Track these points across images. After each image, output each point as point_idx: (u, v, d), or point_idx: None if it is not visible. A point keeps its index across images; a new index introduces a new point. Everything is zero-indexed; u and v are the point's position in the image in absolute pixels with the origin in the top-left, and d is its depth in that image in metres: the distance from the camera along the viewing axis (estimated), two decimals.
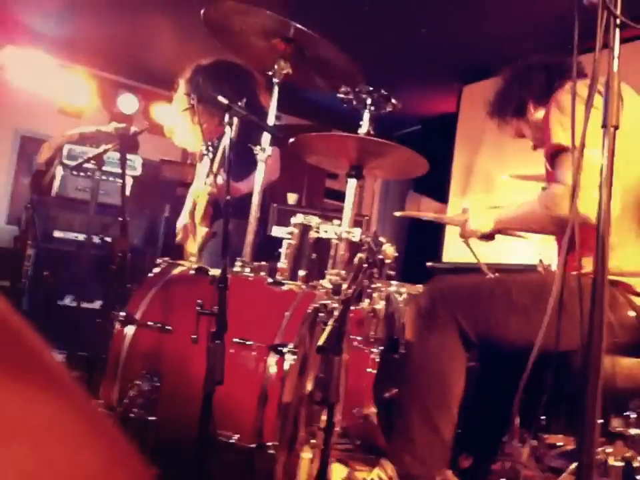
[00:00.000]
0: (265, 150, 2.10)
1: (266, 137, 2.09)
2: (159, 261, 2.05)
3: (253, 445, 1.65)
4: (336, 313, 1.57)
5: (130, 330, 1.84)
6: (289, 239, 2.42)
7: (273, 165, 2.81)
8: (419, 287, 2.27)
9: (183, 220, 2.97)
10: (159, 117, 5.73)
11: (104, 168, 3.48)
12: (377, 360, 2.30)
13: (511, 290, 1.74)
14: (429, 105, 5.69)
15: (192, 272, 2.01)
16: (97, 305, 4.10)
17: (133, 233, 3.99)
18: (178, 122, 2.97)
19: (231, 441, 1.66)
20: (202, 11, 1.99)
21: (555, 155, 1.73)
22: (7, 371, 0.31)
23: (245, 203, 2.26)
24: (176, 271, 2.02)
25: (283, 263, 2.41)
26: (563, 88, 1.83)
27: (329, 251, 2.08)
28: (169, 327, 1.80)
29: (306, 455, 1.68)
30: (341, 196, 7.25)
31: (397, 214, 2.74)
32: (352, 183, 1.86)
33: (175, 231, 3.02)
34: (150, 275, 2.01)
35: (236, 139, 1.70)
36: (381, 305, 2.03)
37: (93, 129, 4.61)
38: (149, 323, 1.82)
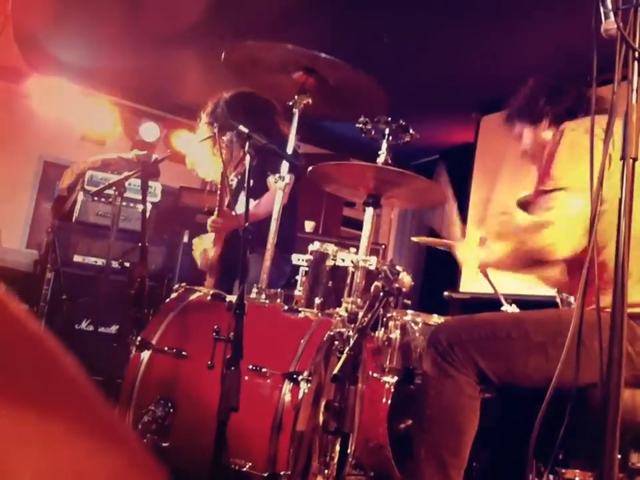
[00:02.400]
0: (283, 179, 2.12)
1: (285, 166, 2.11)
2: (176, 286, 2.06)
3: (266, 474, 1.64)
4: (351, 342, 1.57)
5: (146, 355, 1.84)
6: (306, 266, 2.43)
7: (287, 189, 2.83)
8: (435, 317, 2.25)
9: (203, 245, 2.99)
10: (179, 145, 5.81)
11: (124, 194, 3.54)
12: (392, 390, 2.27)
13: (528, 330, 1.73)
14: (447, 135, 5.72)
15: (209, 298, 2.02)
16: (114, 329, 4.12)
17: (152, 258, 4.01)
18: (200, 153, 3.01)
19: (243, 469, 1.65)
20: (222, 55, 2.04)
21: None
22: (25, 377, 0.32)
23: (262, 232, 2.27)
24: (193, 296, 2.03)
25: (299, 291, 2.41)
26: (576, 122, 1.82)
27: (346, 279, 2.07)
28: (185, 353, 1.80)
29: None
30: (358, 224, 7.25)
31: (415, 239, 2.75)
32: (369, 212, 1.87)
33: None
34: (167, 300, 2.02)
35: (253, 165, 1.73)
36: (396, 334, 2.02)
37: (115, 155, 4.69)
38: (165, 348, 1.83)
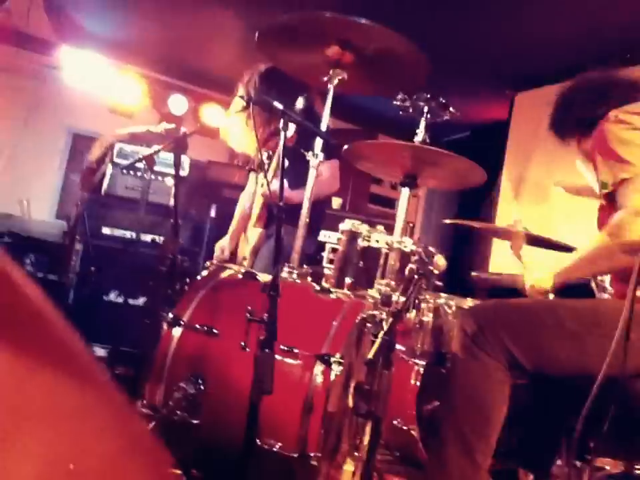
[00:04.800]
0: (317, 156, 2.08)
1: (319, 143, 2.07)
2: (207, 263, 2.05)
3: (296, 455, 1.63)
4: (385, 325, 1.54)
5: (177, 332, 1.84)
6: (336, 244, 2.40)
7: (334, 177, 2.79)
8: (469, 301, 2.21)
9: (224, 240, 3.00)
10: (208, 119, 5.78)
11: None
12: (421, 372, 2.25)
13: (562, 317, 1.68)
14: (480, 112, 5.59)
15: (240, 276, 2.00)
16: (141, 301, 4.16)
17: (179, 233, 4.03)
18: (234, 125, 2.99)
19: (273, 449, 1.64)
20: (256, 36, 1.99)
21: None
22: (35, 356, 0.32)
23: (300, 209, 2.25)
24: (224, 274, 2.01)
25: (328, 269, 2.39)
26: (607, 119, 1.75)
27: (377, 260, 2.04)
28: (216, 331, 1.79)
29: (348, 467, 1.65)
30: (385, 201, 7.18)
31: (447, 221, 2.70)
32: (405, 192, 1.83)
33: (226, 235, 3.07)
34: (198, 277, 2.01)
35: (293, 146, 1.69)
36: (429, 318, 1.99)
37: (144, 128, 4.67)
38: (196, 325, 1.82)
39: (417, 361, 2.21)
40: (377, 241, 1.97)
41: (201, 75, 5.79)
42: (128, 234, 4.35)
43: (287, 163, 3.31)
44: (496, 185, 4.97)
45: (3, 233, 4.42)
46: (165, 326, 1.85)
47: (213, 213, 4.80)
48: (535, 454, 2.21)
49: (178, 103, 5.86)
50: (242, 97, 2.78)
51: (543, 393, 2.12)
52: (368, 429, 1.67)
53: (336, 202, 5.21)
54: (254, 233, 2.82)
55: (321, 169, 2.26)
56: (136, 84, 5.80)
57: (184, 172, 4.50)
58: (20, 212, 4.90)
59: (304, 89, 2.61)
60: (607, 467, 2.27)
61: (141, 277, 3.99)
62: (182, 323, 1.84)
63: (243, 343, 1.54)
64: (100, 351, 3.95)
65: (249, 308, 1.54)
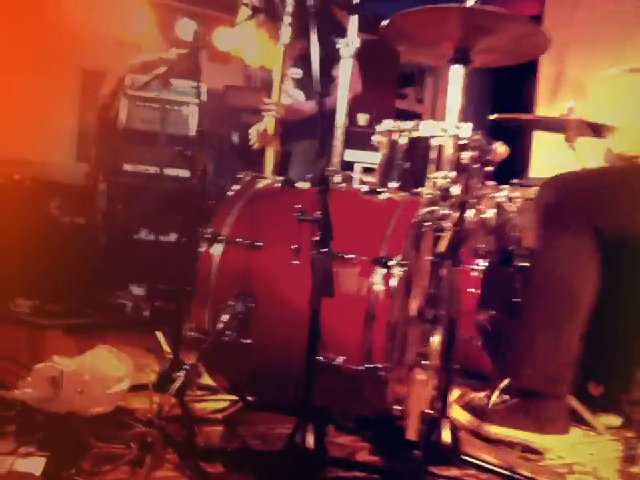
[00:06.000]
0: (349, 44, 1.86)
1: (352, 31, 1.85)
2: (240, 175, 1.88)
3: (361, 367, 1.50)
4: (452, 218, 1.37)
5: (217, 250, 1.69)
6: (366, 162, 2.21)
7: (354, 78, 2.60)
8: (535, 190, 2.01)
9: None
10: (219, 42, 5.51)
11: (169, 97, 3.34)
12: (481, 278, 2.09)
13: None
14: (510, 7, 5.22)
15: (278, 185, 1.83)
16: (173, 237, 4.05)
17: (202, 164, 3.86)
18: (245, 38, 2.79)
19: (335, 363, 1.51)
20: None
21: None
22: None
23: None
24: (260, 184, 1.85)
25: (371, 177, 2.20)
26: None
27: (426, 155, 1.82)
28: (260, 243, 1.64)
29: (419, 376, 1.52)
30: (411, 116, 6.88)
31: (493, 117, 2.48)
32: (457, 71, 1.60)
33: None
34: (232, 190, 1.85)
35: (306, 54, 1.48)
36: (490, 214, 1.79)
37: (155, 56, 4.46)
38: (238, 240, 1.67)
39: (477, 265, 2.04)
40: (430, 130, 1.75)
41: None
42: (151, 169, 4.18)
43: (301, 72, 3.03)
44: (535, 83, 4.68)
45: (25, 179, 4.30)
46: (203, 244, 1.70)
47: (235, 140, 4.60)
48: (613, 365, 2.04)
49: (186, 27, 5.57)
50: (246, 4, 2.55)
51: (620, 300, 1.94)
52: (436, 335, 1.53)
53: (362, 118, 4.96)
54: (271, 154, 2.65)
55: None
56: (142, 12, 5.52)
57: (203, 97, 4.30)
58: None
59: None
60: None
61: (169, 213, 3.87)
62: (221, 238, 1.69)
63: (296, 246, 1.38)
64: (137, 290, 3.89)
65: (299, 207, 1.37)
